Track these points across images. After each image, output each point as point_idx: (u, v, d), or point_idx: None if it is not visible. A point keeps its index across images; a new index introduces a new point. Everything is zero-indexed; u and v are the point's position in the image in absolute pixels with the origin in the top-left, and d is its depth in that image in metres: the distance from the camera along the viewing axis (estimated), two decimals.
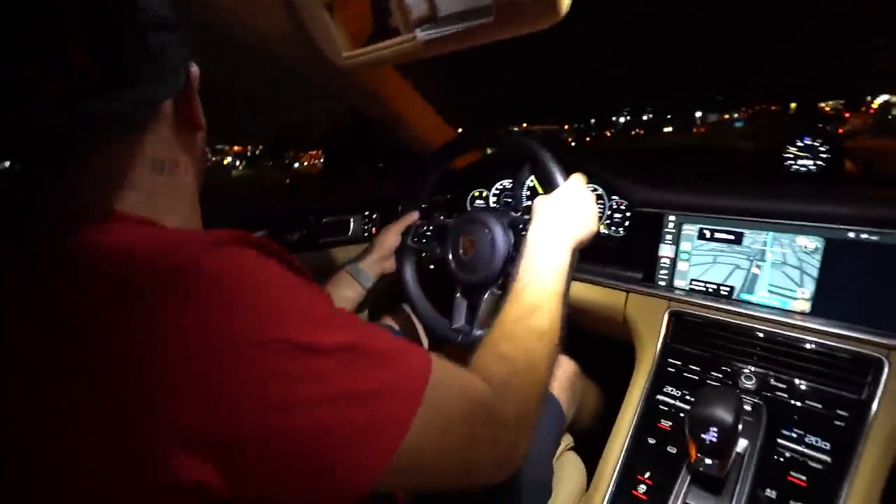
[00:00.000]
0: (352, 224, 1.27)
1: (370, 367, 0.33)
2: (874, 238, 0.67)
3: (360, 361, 0.32)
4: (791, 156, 0.87)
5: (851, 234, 0.69)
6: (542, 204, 0.68)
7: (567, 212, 0.66)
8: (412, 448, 0.32)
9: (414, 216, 0.99)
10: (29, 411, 0.30)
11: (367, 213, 1.30)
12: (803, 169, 0.85)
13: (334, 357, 0.31)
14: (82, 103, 0.33)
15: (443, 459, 0.36)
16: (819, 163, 0.85)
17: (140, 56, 0.35)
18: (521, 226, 0.83)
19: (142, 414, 0.27)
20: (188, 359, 0.28)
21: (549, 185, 0.74)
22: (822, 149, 0.85)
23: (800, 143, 0.87)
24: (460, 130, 1.28)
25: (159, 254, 0.30)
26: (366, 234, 1.30)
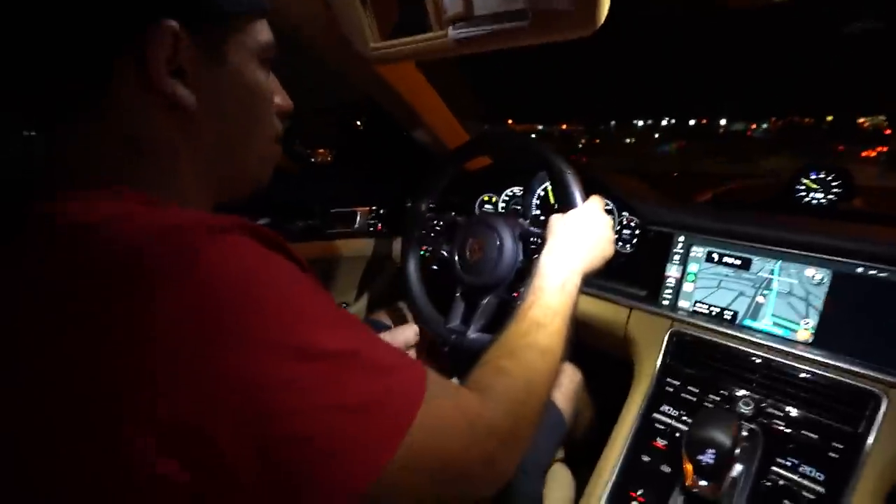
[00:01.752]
0: (358, 217, 1.27)
1: (367, 377, 0.31)
2: (882, 275, 0.68)
3: (357, 370, 0.31)
4: (803, 188, 0.88)
5: (860, 269, 0.69)
6: (559, 225, 0.68)
7: (583, 238, 0.66)
8: (402, 464, 0.31)
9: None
10: None
11: (373, 207, 1.29)
12: (814, 202, 0.86)
13: (332, 362, 0.30)
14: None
15: (434, 476, 0.34)
16: (830, 197, 0.85)
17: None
18: (531, 238, 0.83)
19: (120, 407, 0.26)
20: (178, 352, 0.26)
21: (566, 204, 0.73)
22: (834, 183, 0.85)
23: (813, 176, 0.88)
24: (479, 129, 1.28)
25: (154, 236, 0.28)
26: (371, 229, 1.29)
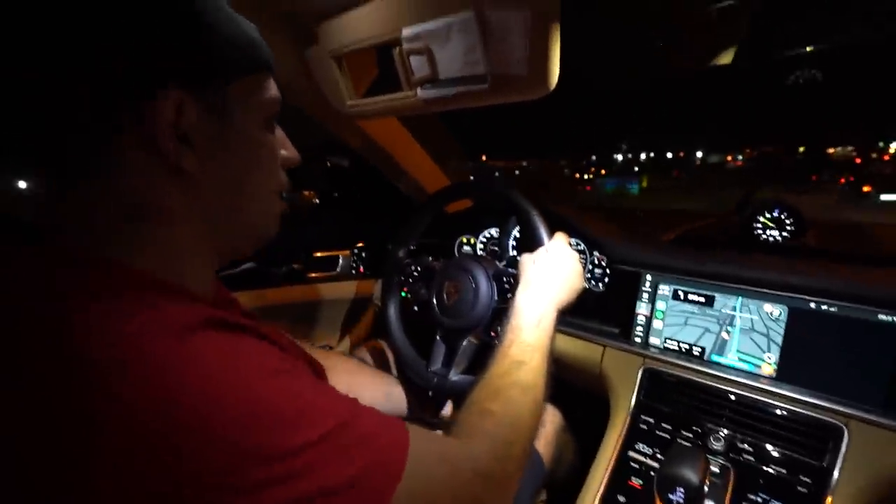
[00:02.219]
0: (340, 260, 1.30)
1: (348, 454, 0.32)
2: (832, 310, 0.71)
3: (337, 451, 0.31)
4: (760, 226, 0.93)
5: (812, 305, 0.73)
6: (529, 264, 0.71)
7: (553, 273, 0.69)
8: None
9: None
10: None
11: (356, 250, 1.32)
12: (771, 240, 0.91)
13: (309, 453, 0.30)
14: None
15: None
16: (785, 234, 0.90)
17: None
18: (504, 278, 0.86)
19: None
20: (149, 462, 0.26)
21: (534, 243, 0.77)
22: (787, 221, 0.91)
23: (768, 214, 0.93)
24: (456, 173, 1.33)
25: (115, 339, 0.28)
26: (353, 272, 1.31)
